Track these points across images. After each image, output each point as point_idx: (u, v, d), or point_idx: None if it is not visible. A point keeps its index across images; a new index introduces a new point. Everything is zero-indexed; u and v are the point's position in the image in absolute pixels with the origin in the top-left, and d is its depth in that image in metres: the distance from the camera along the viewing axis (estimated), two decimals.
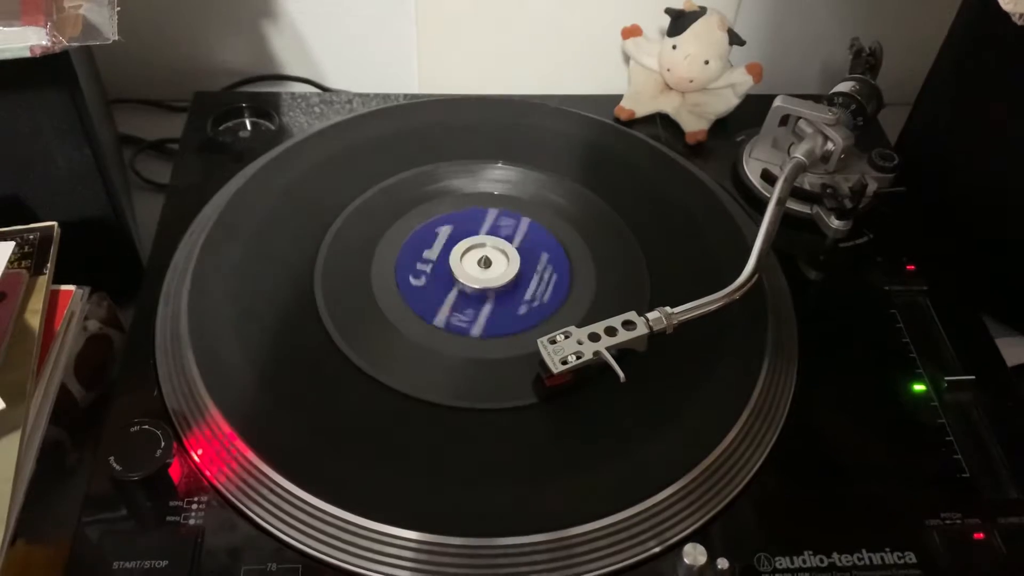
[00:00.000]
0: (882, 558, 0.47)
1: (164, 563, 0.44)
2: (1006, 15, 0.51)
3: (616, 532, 0.46)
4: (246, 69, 0.80)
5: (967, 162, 0.65)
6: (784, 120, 0.65)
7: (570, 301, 0.56)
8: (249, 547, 0.45)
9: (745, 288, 0.53)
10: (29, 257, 0.52)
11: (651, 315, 0.51)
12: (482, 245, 0.58)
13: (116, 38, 0.45)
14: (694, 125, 0.69)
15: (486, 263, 0.57)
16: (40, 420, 0.48)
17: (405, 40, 0.78)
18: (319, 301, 0.55)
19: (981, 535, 0.48)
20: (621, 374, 0.49)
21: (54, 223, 0.53)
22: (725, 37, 0.68)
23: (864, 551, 0.47)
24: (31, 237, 0.52)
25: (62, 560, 0.45)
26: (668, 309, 0.51)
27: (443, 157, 0.65)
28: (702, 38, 0.68)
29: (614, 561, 0.46)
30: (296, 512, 0.46)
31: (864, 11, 0.78)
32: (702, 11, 0.69)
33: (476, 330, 0.54)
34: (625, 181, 0.65)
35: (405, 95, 0.72)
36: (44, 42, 0.44)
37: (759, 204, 0.63)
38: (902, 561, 0.47)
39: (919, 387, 0.55)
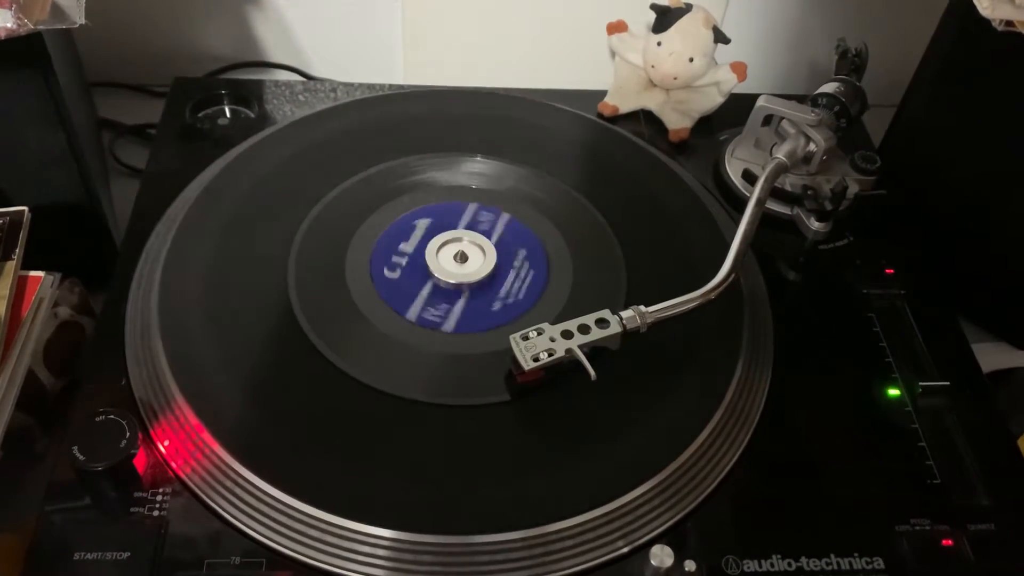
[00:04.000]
0: (850, 563, 0.47)
1: (126, 555, 0.44)
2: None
3: (585, 531, 0.46)
4: (231, 55, 0.80)
5: (950, 166, 0.65)
6: (767, 120, 0.64)
7: (546, 298, 0.56)
8: (213, 540, 0.45)
9: (721, 288, 0.52)
10: None
11: (625, 314, 0.50)
12: (459, 239, 0.58)
13: (83, 22, 0.45)
14: (677, 123, 0.69)
15: (462, 258, 0.57)
16: (5, 407, 0.48)
17: (391, 30, 0.78)
18: (292, 293, 0.55)
19: (950, 542, 0.48)
20: (592, 372, 0.48)
21: (24, 208, 0.52)
22: (710, 35, 0.67)
23: (832, 555, 0.47)
24: (0, 222, 0.52)
25: (24, 548, 0.44)
26: (642, 308, 0.51)
27: (424, 149, 0.65)
28: (687, 35, 0.67)
29: (582, 561, 0.46)
30: (262, 506, 0.45)
31: (851, 12, 0.78)
32: (688, 8, 0.68)
33: (449, 325, 0.54)
34: (606, 178, 0.64)
35: (390, 85, 0.72)
36: (9, 24, 0.43)
37: (740, 204, 0.62)
38: (870, 566, 0.47)
39: (894, 391, 0.54)
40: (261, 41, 0.80)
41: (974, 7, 0.53)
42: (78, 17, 0.44)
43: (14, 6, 0.43)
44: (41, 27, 0.44)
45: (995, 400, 0.55)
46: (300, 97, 0.70)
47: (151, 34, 0.78)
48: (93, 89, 0.75)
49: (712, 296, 0.52)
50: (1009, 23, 0.51)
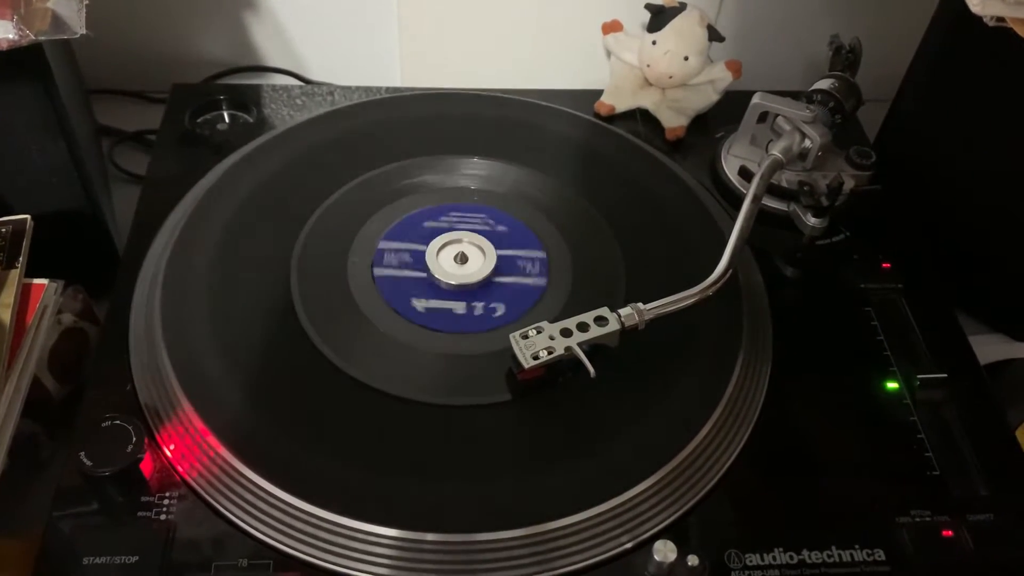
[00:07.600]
0: (852, 555, 0.47)
1: (135, 559, 0.44)
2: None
3: (588, 528, 0.46)
4: (228, 60, 0.80)
5: (944, 160, 0.65)
6: (763, 117, 0.65)
7: (545, 297, 0.56)
8: (220, 543, 0.45)
9: (719, 284, 0.53)
10: (1, 250, 0.51)
11: (623, 311, 0.51)
12: (459, 241, 0.58)
13: (84, 32, 0.45)
14: (674, 121, 0.70)
15: (462, 259, 0.57)
16: (11, 414, 0.48)
17: (388, 33, 0.78)
18: (295, 296, 0.55)
19: (950, 532, 0.48)
20: (592, 370, 0.49)
21: (27, 216, 0.53)
22: (705, 33, 0.68)
23: (834, 548, 0.47)
24: (3, 230, 0.52)
25: (33, 554, 0.45)
26: (640, 305, 0.51)
27: (422, 151, 0.65)
28: (682, 34, 0.68)
29: (586, 557, 0.46)
30: (268, 508, 0.46)
31: (844, 8, 0.78)
32: (682, 7, 0.69)
33: (450, 326, 0.54)
34: (604, 176, 0.65)
35: (387, 88, 0.72)
36: (11, 36, 0.43)
37: (737, 201, 0.62)
38: (871, 558, 0.47)
39: (892, 384, 0.55)
40: (258, 46, 0.80)
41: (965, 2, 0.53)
42: (79, 27, 0.45)
43: (16, 17, 0.43)
44: (43, 38, 0.44)
45: (992, 391, 0.55)
46: (298, 101, 0.71)
47: (148, 40, 0.78)
48: (91, 96, 0.76)
49: (710, 292, 0.53)
50: (1000, 19, 0.51)
